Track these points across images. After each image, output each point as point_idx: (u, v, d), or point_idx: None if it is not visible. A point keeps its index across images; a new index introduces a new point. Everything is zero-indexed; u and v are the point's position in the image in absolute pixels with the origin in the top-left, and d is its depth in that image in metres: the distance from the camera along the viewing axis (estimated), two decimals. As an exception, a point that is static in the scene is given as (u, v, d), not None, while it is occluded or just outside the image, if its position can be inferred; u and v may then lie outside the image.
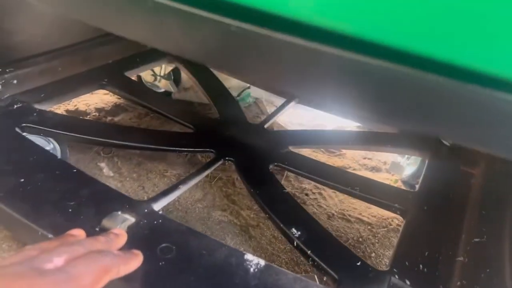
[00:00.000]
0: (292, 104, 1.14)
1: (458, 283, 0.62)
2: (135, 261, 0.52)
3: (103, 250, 0.48)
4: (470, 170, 0.91)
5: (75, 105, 1.20)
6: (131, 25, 0.38)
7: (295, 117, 1.31)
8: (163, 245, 0.60)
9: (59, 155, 0.90)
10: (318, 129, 1.20)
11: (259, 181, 0.81)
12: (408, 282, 0.60)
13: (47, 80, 0.99)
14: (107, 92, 1.18)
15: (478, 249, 0.67)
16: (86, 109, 1.20)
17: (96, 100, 1.24)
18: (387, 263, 0.89)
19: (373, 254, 0.92)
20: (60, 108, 1.18)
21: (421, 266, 0.64)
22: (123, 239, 0.55)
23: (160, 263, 0.57)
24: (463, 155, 0.94)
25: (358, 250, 0.92)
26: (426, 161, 0.94)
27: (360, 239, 0.94)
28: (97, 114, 1.20)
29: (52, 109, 0.97)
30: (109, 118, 1.19)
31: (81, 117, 1.15)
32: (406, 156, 1.11)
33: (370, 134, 1.07)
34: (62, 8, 0.50)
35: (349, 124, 1.30)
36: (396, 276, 0.61)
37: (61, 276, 0.40)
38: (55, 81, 0.99)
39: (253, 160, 0.88)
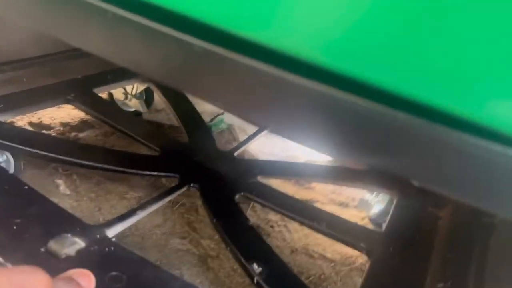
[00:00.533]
0: (264, 133, 1.12)
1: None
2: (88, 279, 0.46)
3: None
4: (437, 212, 0.90)
5: (40, 118, 1.15)
6: (90, 37, 0.36)
7: (267, 146, 1.29)
8: (113, 273, 0.56)
9: (11, 169, 0.85)
10: (289, 161, 1.19)
11: (224, 210, 0.78)
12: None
13: (9, 90, 0.95)
14: (73, 107, 1.14)
15: (442, 295, 0.65)
16: (50, 123, 1.15)
17: (62, 115, 1.20)
18: (349, 304, 0.87)
19: (335, 293, 0.89)
20: (23, 120, 1.12)
21: (384, 311, 0.62)
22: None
23: (107, 294, 0.53)
24: (431, 196, 0.94)
25: (320, 287, 0.89)
26: (394, 200, 0.93)
27: (322, 277, 0.92)
28: (61, 128, 1.15)
29: (14, 120, 0.93)
30: (73, 133, 1.14)
31: (40, 132, 1.10)
32: (375, 193, 1.11)
33: (341, 169, 1.06)
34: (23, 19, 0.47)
35: (321, 157, 1.29)
36: (358, 321, 0.58)
37: None
38: (18, 92, 0.95)
39: (219, 188, 0.85)
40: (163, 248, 0.86)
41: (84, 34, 0.35)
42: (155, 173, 0.86)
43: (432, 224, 0.86)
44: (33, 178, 0.94)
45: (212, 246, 0.90)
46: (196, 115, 1.14)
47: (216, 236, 0.93)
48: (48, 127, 1.14)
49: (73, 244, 0.58)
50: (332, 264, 0.94)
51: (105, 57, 0.33)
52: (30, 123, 1.13)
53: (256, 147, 1.27)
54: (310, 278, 0.89)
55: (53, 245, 0.57)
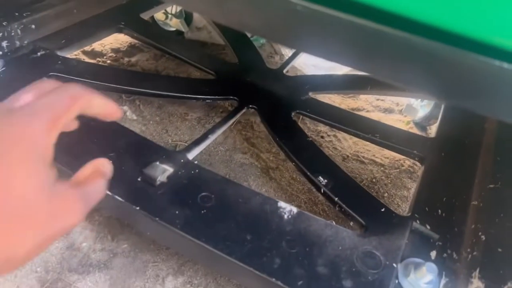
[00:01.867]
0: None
1: (473, 226, 0.67)
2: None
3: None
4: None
5: (91, 46, 1.19)
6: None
7: (309, 58, 1.31)
8: (203, 194, 0.65)
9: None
10: (336, 74, 1.21)
11: (283, 129, 0.84)
12: (428, 227, 0.66)
13: (64, 24, 0.98)
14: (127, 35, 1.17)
15: (492, 194, 0.72)
16: (102, 50, 1.20)
17: (110, 41, 1.23)
18: (399, 203, 0.96)
19: (386, 194, 0.97)
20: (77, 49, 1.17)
21: (439, 211, 0.69)
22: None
23: (202, 211, 0.62)
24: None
25: (372, 190, 0.97)
26: (442, 106, 0.97)
27: (374, 180, 1.00)
28: (113, 55, 1.19)
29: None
30: (126, 59, 1.19)
31: (103, 64, 1.15)
32: (420, 99, 1.14)
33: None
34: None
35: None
36: (417, 221, 0.67)
37: (29, 110, 0.38)
38: (72, 25, 0.98)
39: (276, 108, 0.90)
40: (229, 163, 0.95)
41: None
42: (215, 97, 0.92)
43: (481, 127, 0.91)
44: (100, 107, 1.01)
45: (271, 159, 0.99)
46: (241, 33, 1.15)
47: (274, 149, 1.01)
48: (101, 54, 1.19)
49: (164, 171, 0.66)
50: (382, 168, 1.02)
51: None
52: (84, 52, 1.18)
53: (300, 60, 1.29)
54: (363, 182, 0.98)
55: (147, 174, 0.65)
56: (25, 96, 0.41)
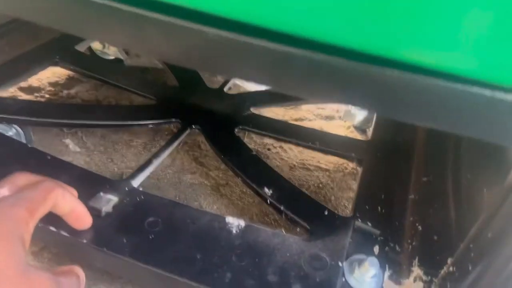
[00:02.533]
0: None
1: (411, 218, 0.72)
2: (72, 190, 0.57)
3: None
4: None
5: (27, 82, 1.17)
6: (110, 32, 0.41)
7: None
8: (150, 219, 0.66)
9: (23, 140, 0.90)
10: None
11: (228, 146, 0.87)
12: (369, 224, 0.70)
13: (-4, 62, 0.96)
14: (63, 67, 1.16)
15: (426, 188, 0.77)
16: (39, 85, 1.18)
17: (48, 74, 1.21)
18: (346, 204, 1.00)
19: (332, 197, 1.01)
20: (12, 86, 1.14)
21: (379, 208, 0.74)
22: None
23: (150, 237, 0.63)
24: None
25: (319, 195, 1.01)
26: (376, 109, 1.02)
27: (320, 185, 1.04)
28: (51, 88, 1.17)
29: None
30: (65, 92, 1.17)
31: (41, 99, 1.13)
32: (357, 103, 1.20)
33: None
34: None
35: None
36: (359, 220, 0.70)
37: (11, 199, 0.43)
38: (5, 63, 0.97)
39: (219, 126, 0.92)
40: (178, 185, 0.96)
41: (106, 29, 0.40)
42: (157, 122, 0.93)
43: (412, 127, 0.97)
44: (42, 143, 0.99)
45: (220, 176, 1.00)
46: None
47: (222, 166, 1.03)
48: (39, 89, 1.17)
49: (109, 201, 0.67)
50: (327, 173, 1.06)
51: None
52: (20, 88, 1.15)
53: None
54: (310, 188, 1.01)
55: (92, 205, 0.65)
56: (2, 190, 0.46)
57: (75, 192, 0.59)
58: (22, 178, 0.49)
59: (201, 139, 1.10)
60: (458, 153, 0.83)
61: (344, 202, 0.99)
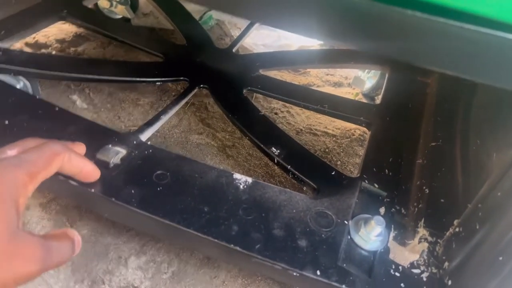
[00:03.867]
0: (256, 25, 1.15)
1: (418, 182, 0.72)
2: (80, 147, 0.58)
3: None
4: (425, 80, 0.99)
5: (34, 38, 1.15)
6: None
7: (259, 38, 1.32)
8: (158, 172, 0.66)
9: (30, 92, 0.90)
10: (285, 50, 1.23)
11: (236, 106, 0.86)
12: (376, 186, 0.70)
13: (2, 15, 0.95)
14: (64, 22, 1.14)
15: (434, 152, 0.76)
16: (46, 41, 1.16)
17: (55, 31, 1.20)
18: (351, 170, 1.00)
19: (339, 162, 1.01)
20: (19, 42, 1.13)
21: (386, 170, 0.74)
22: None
23: (158, 189, 0.63)
24: (419, 67, 1.02)
25: (326, 159, 1.01)
26: (386, 74, 1.01)
27: (327, 150, 1.03)
28: (58, 45, 1.16)
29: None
30: (72, 49, 1.16)
31: (48, 53, 1.12)
32: (367, 70, 1.18)
33: (334, 52, 1.12)
34: None
35: (313, 42, 1.33)
36: (366, 181, 0.70)
37: (13, 160, 0.42)
38: (12, 16, 0.95)
39: (227, 86, 0.91)
40: (185, 145, 0.96)
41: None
42: (165, 79, 0.92)
43: (422, 92, 0.96)
44: (49, 98, 0.99)
45: (227, 137, 1.00)
46: (188, 15, 1.15)
47: (229, 128, 1.02)
48: (46, 46, 1.16)
49: (117, 153, 0.67)
50: (334, 139, 1.06)
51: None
52: (27, 44, 1.14)
53: (250, 40, 1.30)
54: (316, 153, 1.01)
55: (100, 157, 0.65)
56: (10, 151, 0.45)
57: (82, 147, 0.59)
58: (32, 142, 0.49)
59: (208, 100, 1.09)
60: (468, 118, 0.83)
61: (350, 167, 0.99)
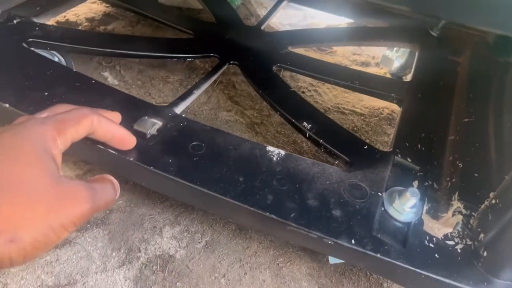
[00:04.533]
0: (284, 3, 1.15)
1: (450, 158, 0.72)
2: (115, 115, 0.58)
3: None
4: (456, 59, 0.98)
5: (65, 16, 1.17)
6: None
7: (286, 17, 1.32)
8: (193, 143, 0.67)
9: (65, 67, 0.92)
10: (313, 28, 1.23)
11: (266, 82, 0.86)
12: (409, 160, 0.70)
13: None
14: (94, 0, 1.16)
15: (467, 128, 0.76)
16: (76, 20, 1.18)
17: (84, 10, 1.22)
18: (381, 148, 1.00)
19: (367, 141, 1.00)
20: (50, 21, 1.15)
21: (419, 145, 0.73)
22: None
23: (194, 159, 0.64)
24: (450, 44, 1.01)
25: (354, 138, 1.01)
26: (416, 53, 1.00)
27: (355, 129, 1.03)
28: (88, 24, 1.18)
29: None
30: (101, 27, 1.18)
31: (81, 29, 1.14)
32: (395, 49, 1.17)
33: (362, 30, 1.11)
34: None
35: (339, 21, 1.32)
36: (399, 156, 0.70)
37: (40, 119, 0.43)
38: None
39: (257, 63, 0.91)
40: (214, 121, 0.97)
41: None
42: (195, 55, 0.93)
43: (453, 70, 0.95)
44: (81, 75, 1.01)
45: (255, 115, 1.01)
46: (216, -6, 1.15)
47: (257, 106, 1.03)
48: (76, 24, 1.17)
49: (153, 125, 0.68)
50: (362, 117, 1.06)
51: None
52: (58, 23, 1.16)
53: (276, 20, 1.30)
54: (345, 131, 1.01)
55: (138, 127, 0.67)
56: (41, 114, 0.46)
57: (118, 116, 0.60)
58: (63, 107, 0.50)
59: (236, 79, 1.10)
60: (501, 96, 0.82)
61: (378, 146, 0.99)
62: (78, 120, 0.47)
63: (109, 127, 0.54)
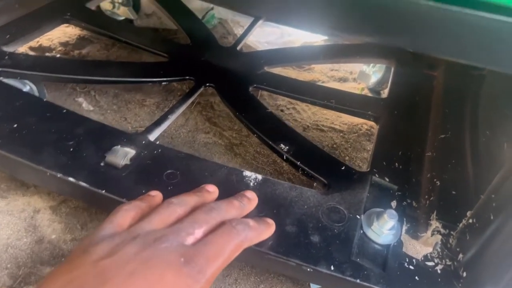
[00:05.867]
0: (260, 23, 1.15)
1: (428, 175, 0.72)
2: (268, 231, 0.56)
3: (238, 220, 0.51)
4: (432, 73, 0.99)
5: (38, 42, 1.15)
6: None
7: (263, 36, 1.32)
8: (168, 171, 0.66)
9: (37, 96, 0.90)
10: (289, 47, 1.23)
11: (243, 104, 0.86)
12: (387, 179, 0.70)
13: (6, 20, 0.95)
14: (68, 25, 1.14)
15: (443, 144, 0.76)
16: (50, 45, 1.16)
17: (58, 34, 1.20)
18: (360, 165, 0.99)
19: (347, 158, 1.01)
20: (23, 47, 1.13)
21: (396, 164, 0.73)
22: (255, 203, 0.59)
23: (169, 188, 0.63)
24: (425, 59, 1.02)
25: (334, 155, 1.00)
26: (392, 68, 1.01)
27: (335, 146, 1.03)
28: (62, 48, 1.16)
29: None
30: (76, 51, 1.16)
31: (53, 55, 1.12)
32: (372, 64, 1.18)
33: (338, 47, 1.12)
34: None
35: (316, 38, 1.33)
36: (376, 175, 0.70)
37: (201, 259, 0.42)
38: (16, 20, 0.95)
39: (233, 84, 0.91)
40: (192, 144, 0.96)
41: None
42: (170, 79, 0.92)
43: (429, 85, 0.95)
44: (55, 101, 0.99)
45: (234, 136, 1.00)
46: (191, 14, 1.15)
47: (236, 127, 1.02)
48: (49, 49, 1.16)
49: (126, 154, 0.67)
50: (341, 134, 1.05)
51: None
52: (31, 48, 1.14)
53: (253, 38, 1.30)
54: (324, 149, 1.00)
55: (110, 158, 0.65)
56: (197, 232, 0.45)
57: (253, 202, 0.59)
58: (217, 216, 0.49)
59: (214, 99, 1.09)
60: (476, 110, 0.82)
61: (358, 162, 0.99)
62: (234, 254, 0.46)
63: (256, 239, 0.53)
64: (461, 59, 0.38)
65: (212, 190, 0.57)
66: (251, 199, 0.58)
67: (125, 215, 0.48)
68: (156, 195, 0.55)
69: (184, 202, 0.51)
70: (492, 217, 0.51)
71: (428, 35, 0.39)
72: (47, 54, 1.14)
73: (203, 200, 0.54)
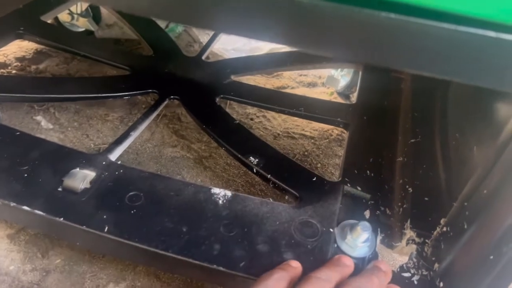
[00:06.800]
0: (224, 30, 1.12)
1: (400, 181, 0.70)
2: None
3: None
4: (399, 75, 0.98)
5: (-9, 58, 1.10)
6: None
7: (229, 43, 1.30)
8: (130, 193, 0.62)
9: (-9, 117, 0.85)
10: (255, 55, 1.21)
11: (209, 116, 0.83)
12: (359, 188, 0.68)
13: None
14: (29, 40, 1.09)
15: (414, 149, 0.75)
16: (5, 60, 1.10)
17: (14, 49, 1.14)
18: (332, 171, 0.98)
19: (319, 165, 0.99)
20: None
21: (367, 171, 0.72)
22: (390, 276, 0.55)
23: (132, 211, 0.59)
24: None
25: (305, 163, 0.99)
26: (360, 72, 1.00)
27: (306, 153, 1.02)
28: (18, 64, 1.11)
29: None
30: (33, 67, 1.11)
31: (8, 74, 1.06)
32: (340, 69, 1.17)
33: (305, 53, 1.10)
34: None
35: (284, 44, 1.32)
36: (348, 185, 0.68)
37: None
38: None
39: (199, 95, 0.88)
40: (159, 159, 0.92)
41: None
42: (133, 93, 0.88)
43: (397, 88, 0.95)
44: (11, 121, 0.94)
45: (203, 148, 0.97)
46: (153, 24, 1.11)
47: (204, 138, 0.99)
48: (4, 65, 1.10)
49: (86, 177, 0.63)
50: (312, 141, 1.04)
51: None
52: (-16, 65, 1.09)
53: (220, 46, 1.27)
54: (296, 157, 0.99)
55: (68, 182, 0.61)
56: None
57: (388, 275, 0.55)
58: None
59: (181, 111, 1.06)
60: (445, 113, 0.82)
61: (330, 169, 0.97)
62: None
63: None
64: (420, 71, 0.36)
65: (349, 263, 0.55)
66: (386, 272, 0.55)
67: (277, 285, 0.49)
68: (298, 266, 0.54)
69: (329, 279, 0.51)
70: (465, 226, 0.50)
71: (384, 48, 0.37)
72: (1, 70, 1.08)
73: (343, 276, 0.53)
